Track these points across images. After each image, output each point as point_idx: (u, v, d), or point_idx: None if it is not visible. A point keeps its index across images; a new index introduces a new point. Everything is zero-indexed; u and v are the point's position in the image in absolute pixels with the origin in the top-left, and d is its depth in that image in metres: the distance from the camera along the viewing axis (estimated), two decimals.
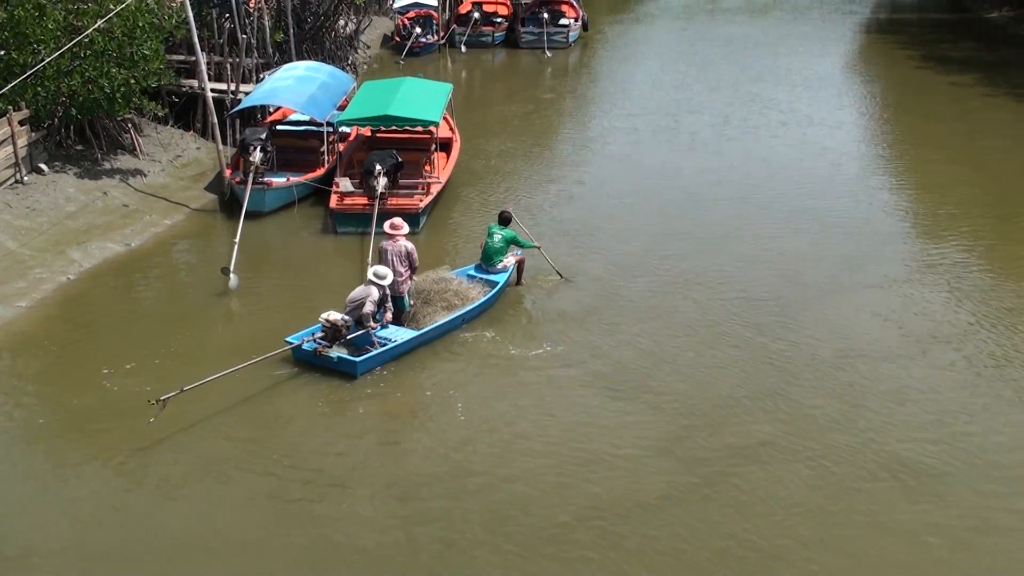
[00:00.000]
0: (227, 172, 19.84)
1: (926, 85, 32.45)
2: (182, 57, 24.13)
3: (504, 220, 16.22)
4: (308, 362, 13.43)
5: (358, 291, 13.84)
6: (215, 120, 20.12)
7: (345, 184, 18.84)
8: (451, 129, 22.63)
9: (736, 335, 14.53)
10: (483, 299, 14.92)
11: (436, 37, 38.07)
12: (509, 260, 15.87)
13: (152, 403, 11.66)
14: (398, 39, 37.39)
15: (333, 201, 18.73)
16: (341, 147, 21.23)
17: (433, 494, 10.85)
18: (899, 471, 11.23)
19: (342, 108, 21.62)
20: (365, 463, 11.50)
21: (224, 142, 20.89)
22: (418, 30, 37.05)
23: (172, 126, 22.65)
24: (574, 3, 41.26)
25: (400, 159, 18.80)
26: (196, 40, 19.85)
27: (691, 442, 11.80)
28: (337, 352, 13.34)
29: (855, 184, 21.62)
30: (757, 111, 27.86)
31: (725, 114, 27.54)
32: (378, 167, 18.24)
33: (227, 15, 25.77)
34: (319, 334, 13.43)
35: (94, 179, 19.44)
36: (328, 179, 19.84)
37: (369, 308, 13.59)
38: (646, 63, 35.93)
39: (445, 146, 21.57)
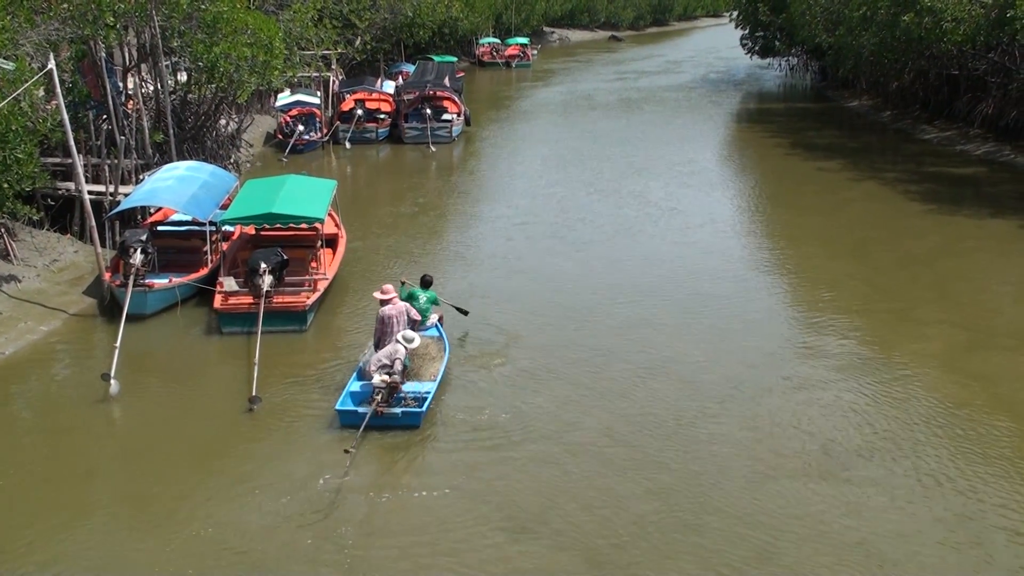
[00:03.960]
0: (106, 275, 19.40)
1: (797, 173, 33.81)
2: (58, 159, 23.70)
3: (426, 283, 17.57)
4: (357, 425, 13.76)
5: (385, 352, 14.84)
6: (93, 223, 19.71)
7: (230, 283, 18.59)
8: (337, 225, 22.66)
9: (640, 457, 13.46)
10: (447, 345, 16.40)
11: (319, 134, 38.30)
12: (434, 317, 17.25)
13: (346, 451, 12.93)
14: (281, 137, 37.49)
15: (217, 301, 18.44)
16: (225, 246, 21.03)
17: None
18: None
19: (225, 207, 21.47)
20: None
21: (103, 245, 20.48)
22: (301, 128, 37.25)
23: (48, 230, 22.12)
24: (456, 99, 42.11)
25: (285, 256, 18.69)
26: (72, 143, 19.52)
27: None
28: (400, 408, 14.25)
29: (742, 284, 21.02)
30: (638, 209, 27.80)
31: (605, 212, 27.44)
32: (263, 265, 18.08)
33: (105, 116, 25.48)
34: (377, 396, 14.13)
35: None
36: (212, 279, 19.57)
37: (399, 367, 14.56)
38: (527, 159, 36.58)
39: (331, 242, 21.57)
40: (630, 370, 16.40)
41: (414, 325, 15.81)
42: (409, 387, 14.83)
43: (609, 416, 14.70)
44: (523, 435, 14.12)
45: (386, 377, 14.35)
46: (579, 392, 15.55)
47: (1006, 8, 30.65)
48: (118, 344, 16.30)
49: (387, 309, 15.64)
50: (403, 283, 17.92)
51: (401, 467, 13.34)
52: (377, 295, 15.96)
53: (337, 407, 14.54)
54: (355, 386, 15.11)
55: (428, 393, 14.78)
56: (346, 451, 13.04)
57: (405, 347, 14.88)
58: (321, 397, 15.43)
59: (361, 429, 13.55)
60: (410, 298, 17.05)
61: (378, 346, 15.51)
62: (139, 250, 18.66)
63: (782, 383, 15.88)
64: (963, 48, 35.48)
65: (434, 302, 17.44)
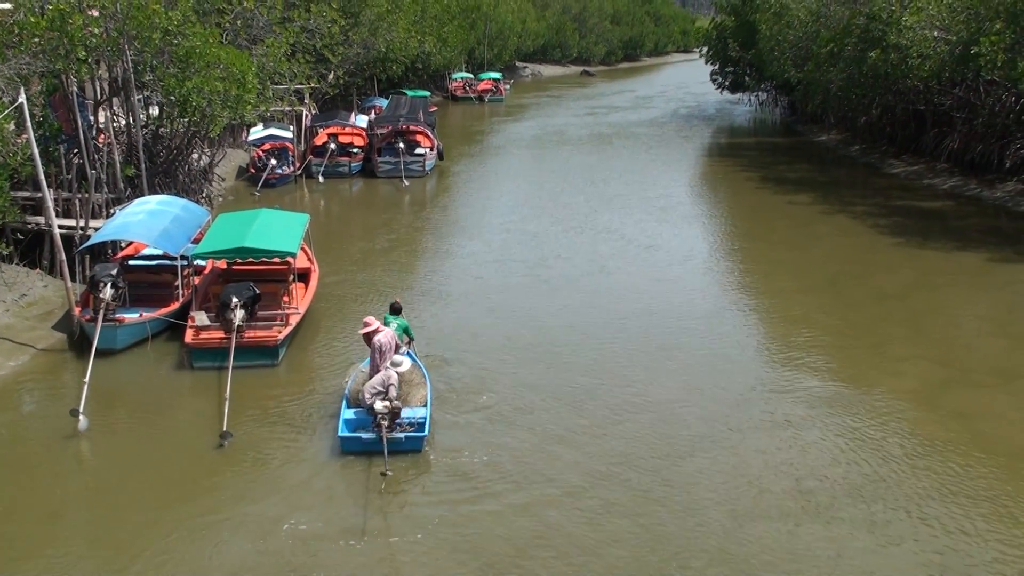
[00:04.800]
0: (76, 310, 19.23)
1: (769, 207, 34.12)
2: (28, 194, 23.55)
3: (395, 310, 17.54)
4: (358, 451, 14.36)
5: (378, 379, 14.98)
6: (63, 257, 19.58)
7: (201, 318, 18.48)
8: (309, 259, 22.61)
9: (619, 502, 13.18)
10: (425, 371, 16.60)
11: (292, 168, 38.27)
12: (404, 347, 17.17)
13: (382, 474, 13.33)
14: (253, 171, 37.42)
15: (188, 336, 18.31)
16: (196, 281, 20.91)
17: None
18: None
19: (197, 241, 21.37)
20: None
21: (73, 279, 20.29)
22: (273, 162, 37.22)
23: (17, 264, 21.93)
24: (429, 133, 42.24)
25: (257, 291, 18.60)
26: (42, 177, 19.42)
27: None
28: (403, 433, 14.54)
29: (717, 320, 20.90)
30: (611, 245, 27.78)
31: (579, 248, 27.36)
32: (235, 300, 17.98)
33: (76, 151, 25.36)
34: (383, 421, 14.27)
35: None
36: (183, 313, 19.44)
37: (394, 392, 14.76)
38: (501, 194, 36.70)
39: (304, 277, 21.50)
40: (606, 410, 16.21)
41: (396, 349, 15.97)
42: (402, 413, 15.03)
43: (585, 458, 14.47)
44: (499, 479, 13.88)
45: (387, 403, 14.54)
46: (555, 433, 15.32)
47: (970, 45, 31.20)
48: (87, 379, 16.15)
49: (379, 337, 15.75)
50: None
51: (374, 509, 13.14)
52: (362, 330, 16.01)
53: (339, 435, 14.69)
54: (348, 414, 15.23)
55: (423, 418, 14.98)
56: (382, 474, 13.38)
57: (398, 371, 15.17)
58: (293, 433, 15.35)
59: (386, 452, 13.82)
60: (386, 325, 17.16)
61: (373, 374, 15.64)
62: (109, 284, 18.53)
63: (759, 423, 15.68)
64: (929, 84, 36.07)
65: (406, 331, 17.40)
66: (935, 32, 32.91)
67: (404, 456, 14.43)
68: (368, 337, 15.82)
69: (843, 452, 14.63)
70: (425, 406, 15.41)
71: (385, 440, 14.03)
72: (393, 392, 14.79)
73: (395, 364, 15.45)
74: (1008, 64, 29.51)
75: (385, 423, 14.29)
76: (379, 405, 14.49)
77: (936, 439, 14.99)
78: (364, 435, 14.50)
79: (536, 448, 14.82)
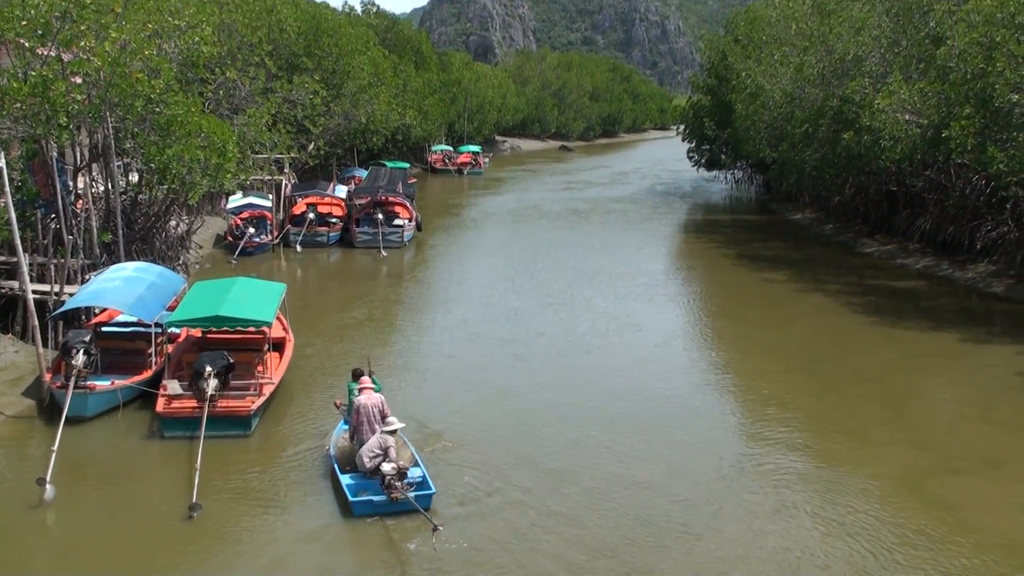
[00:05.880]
0: (47, 376, 18.99)
1: (745, 285, 34.36)
2: (3, 258, 23.41)
3: (358, 376, 17.37)
4: (372, 514, 14.51)
5: (374, 443, 15.28)
6: (36, 323, 19.41)
7: (174, 386, 18.30)
8: (285, 329, 22.51)
9: None
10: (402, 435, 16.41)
11: (270, 237, 38.31)
12: None
13: (434, 529, 13.46)
14: (231, 239, 37.43)
15: (160, 404, 18.09)
16: (170, 348, 20.75)
17: None
18: None
19: (173, 309, 21.26)
20: None
21: (45, 345, 20.13)
22: (251, 230, 37.28)
23: None
24: (408, 205, 42.52)
25: (231, 360, 18.46)
26: (18, 241, 19.36)
27: None
28: (412, 492, 14.64)
29: (696, 401, 20.62)
30: (589, 322, 27.58)
31: (556, 325, 27.22)
32: (208, 368, 17.83)
33: (53, 216, 25.31)
34: (396, 482, 14.53)
35: None
36: (156, 382, 19.24)
37: (393, 454, 15.07)
38: (479, 268, 36.82)
39: (279, 346, 21.38)
40: (583, 494, 15.69)
41: (383, 414, 16.14)
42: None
43: (563, 545, 13.97)
44: (475, 568, 13.43)
45: (394, 464, 14.81)
46: (531, 518, 14.83)
47: (941, 129, 31.82)
48: (55, 448, 15.89)
49: (362, 399, 16.12)
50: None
51: None
52: (355, 387, 16.69)
53: (351, 500, 14.75)
54: (347, 479, 15.37)
55: (422, 476, 15.30)
56: (435, 528, 13.58)
57: (391, 433, 15.39)
58: (263, 505, 15.12)
59: (429, 515, 14.10)
60: (349, 392, 17.51)
61: (353, 436, 16.02)
62: (82, 351, 18.37)
63: (738, 510, 15.19)
64: (901, 165, 36.66)
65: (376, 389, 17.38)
66: (907, 116, 33.54)
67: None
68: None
69: (827, 542, 14.15)
70: (417, 465, 15.68)
71: (411, 498, 14.44)
72: (393, 453, 15.10)
73: (388, 425, 15.58)
74: (978, 148, 30.08)
75: (399, 484, 14.58)
76: (387, 467, 14.75)
77: (923, 530, 14.51)
78: (375, 498, 14.67)
79: (513, 535, 14.33)
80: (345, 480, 15.34)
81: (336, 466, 15.88)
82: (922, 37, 36.65)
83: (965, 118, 30.32)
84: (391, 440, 15.29)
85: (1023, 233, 32.49)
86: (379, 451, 15.18)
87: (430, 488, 14.99)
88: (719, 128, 64.40)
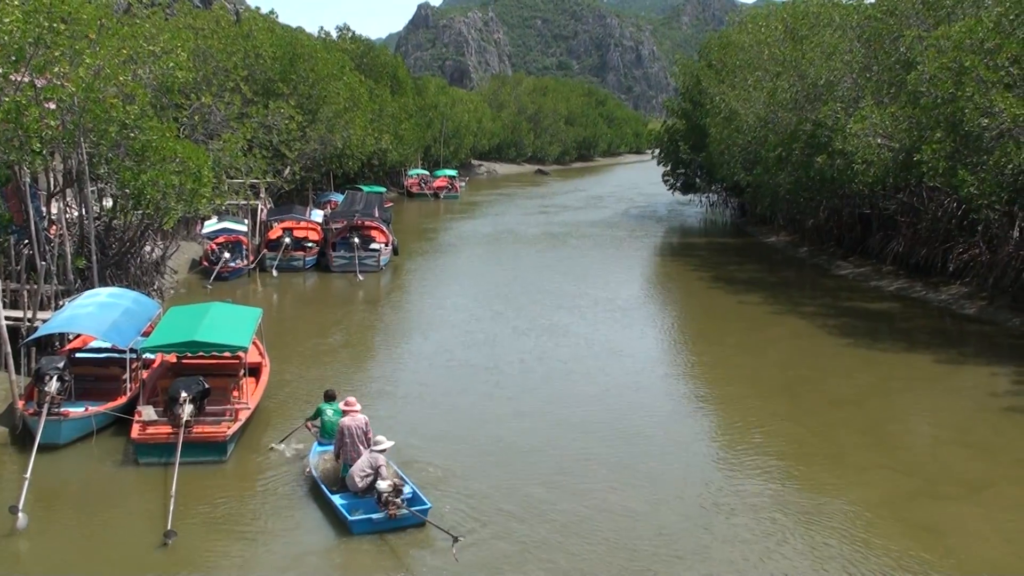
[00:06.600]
0: (20, 403, 18.79)
1: (721, 308, 34.46)
2: None
3: (330, 397, 18.09)
4: (368, 532, 14.58)
5: (364, 463, 15.44)
6: (8, 349, 19.23)
7: (148, 412, 18.15)
8: (261, 354, 22.41)
9: None
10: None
11: (246, 262, 38.20)
12: None
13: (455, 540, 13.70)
14: (206, 264, 37.31)
15: (135, 431, 17.92)
16: (145, 374, 20.59)
17: None
18: None
19: (147, 334, 21.13)
20: None
21: (18, 372, 19.92)
22: (227, 255, 37.15)
23: None
24: (384, 228, 42.55)
25: (207, 385, 18.33)
26: None
27: None
28: (405, 509, 14.75)
29: (676, 428, 20.45)
30: (567, 348, 27.31)
31: (533, 351, 26.96)
32: (183, 394, 17.70)
33: (26, 241, 25.13)
34: (392, 499, 14.68)
35: None
36: (131, 408, 19.08)
37: (385, 472, 15.26)
38: (455, 292, 36.74)
39: (255, 371, 21.27)
40: (564, 523, 15.38)
41: (367, 434, 16.30)
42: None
43: (556, 574, 13.76)
44: None
45: (390, 482, 14.97)
46: (512, 548, 14.56)
47: (912, 153, 32.19)
48: (28, 475, 15.71)
49: (346, 420, 16.34)
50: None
51: None
52: (343, 406, 16.93)
53: (349, 519, 14.78)
54: (339, 499, 15.44)
55: (412, 491, 15.47)
56: (455, 539, 13.88)
57: (379, 451, 15.56)
58: (238, 533, 14.99)
59: (447, 530, 14.16)
60: (319, 413, 17.88)
61: (337, 456, 16.27)
62: (55, 377, 18.21)
63: (721, 538, 14.94)
64: (874, 189, 37.04)
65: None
66: (879, 139, 33.92)
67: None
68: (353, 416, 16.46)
69: (815, 569, 13.93)
70: (405, 483, 15.73)
71: (414, 511, 14.69)
72: (384, 471, 15.28)
73: (376, 444, 15.73)
74: (949, 171, 30.44)
75: (399, 500, 14.75)
76: (383, 484, 14.90)
77: (912, 556, 14.35)
78: (374, 516, 14.76)
79: (494, 567, 14.06)
80: (338, 500, 15.36)
81: (323, 487, 15.87)
82: (893, 62, 37.13)
83: (936, 142, 30.70)
84: (382, 459, 15.49)
85: (994, 255, 32.84)
86: (370, 470, 15.38)
87: (425, 503, 15.17)
88: (694, 152, 64.91)
